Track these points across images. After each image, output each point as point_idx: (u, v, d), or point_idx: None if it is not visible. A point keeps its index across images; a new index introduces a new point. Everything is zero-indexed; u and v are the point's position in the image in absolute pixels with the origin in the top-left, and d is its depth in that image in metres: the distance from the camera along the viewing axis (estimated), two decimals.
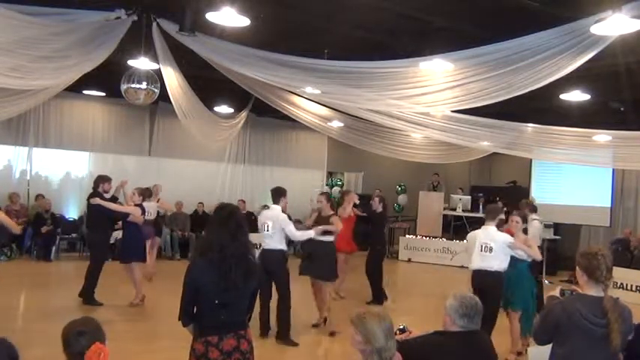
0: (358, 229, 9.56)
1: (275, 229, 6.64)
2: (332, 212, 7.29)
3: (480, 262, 6.10)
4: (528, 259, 6.32)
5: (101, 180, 8.14)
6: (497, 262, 6.03)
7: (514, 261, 6.19)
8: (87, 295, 7.84)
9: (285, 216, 6.79)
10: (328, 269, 7.22)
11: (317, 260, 7.11)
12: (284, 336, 6.62)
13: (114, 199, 8.13)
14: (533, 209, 9.21)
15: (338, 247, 7.73)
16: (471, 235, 6.61)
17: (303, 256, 7.53)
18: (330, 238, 7.19)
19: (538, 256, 6.33)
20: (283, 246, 6.73)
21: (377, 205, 9.36)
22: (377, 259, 9.27)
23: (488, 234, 6.15)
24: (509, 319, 6.39)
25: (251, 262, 3.26)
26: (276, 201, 6.82)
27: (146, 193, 8.21)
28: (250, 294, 3.30)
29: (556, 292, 3.18)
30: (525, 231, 6.72)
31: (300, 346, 6.59)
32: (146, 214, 8.32)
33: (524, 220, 6.71)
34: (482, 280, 6.00)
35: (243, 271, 3.15)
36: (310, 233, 6.96)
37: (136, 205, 7.90)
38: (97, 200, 7.76)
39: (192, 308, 3.15)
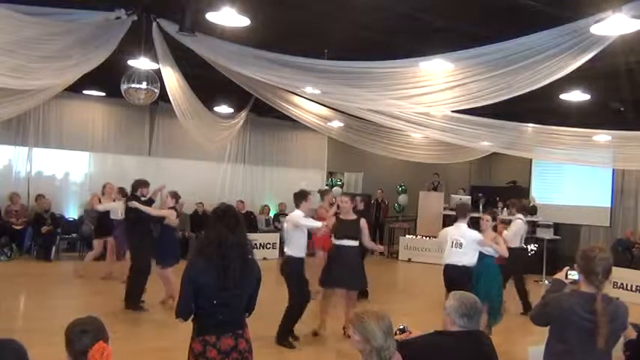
0: None
1: (289, 233, 6.55)
2: (356, 216, 7.02)
3: (451, 257, 6.55)
4: (496, 255, 6.74)
5: (140, 185, 8.07)
6: (467, 258, 6.49)
7: (482, 256, 6.63)
8: (132, 300, 7.75)
9: (295, 214, 6.57)
10: (361, 277, 7.05)
11: (350, 269, 6.79)
12: (284, 339, 6.58)
13: (150, 202, 8.11)
14: (521, 208, 9.38)
15: (319, 246, 7.98)
16: (442, 232, 7.09)
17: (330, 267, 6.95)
18: (355, 243, 6.87)
19: (505, 253, 6.77)
20: (293, 252, 6.50)
21: (358, 204, 9.52)
22: None
23: (459, 231, 6.62)
24: None
25: (250, 259, 3.26)
26: (296, 204, 6.61)
27: (178, 197, 8.22)
28: (249, 294, 3.29)
29: (562, 275, 3.21)
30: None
31: (300, 348, 6.60)
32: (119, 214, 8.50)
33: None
34: (452, 275, 6.45)
35: (241, 266, 3.16)
36: (318, 223, 6.73)
37: (169, 208, 7.89)
38: (134, 203, 7.72)
39: (191, 306, 3.14)
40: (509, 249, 8.83)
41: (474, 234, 6.60)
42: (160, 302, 7.93)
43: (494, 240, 6.72)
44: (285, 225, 6.74)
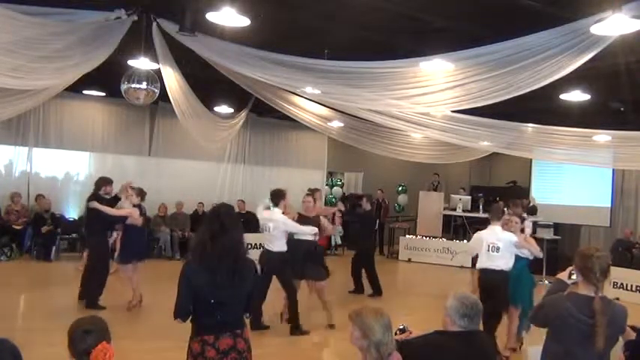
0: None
1: (276, 231, 6.81)
2: (315, 213, 7.43)
3: (487, 261, 6.25)
4: (530, 257, 6.51)
5: (103, 182, 8.02)
6: (504, 261, 6.20)
7: (515, 259, 6.34)
8: (90, 299, 7.69)
9: (283, 217, 6.91)
10: (321, 268, 7.36)
11: (308, 261, 7.16)
12: (296, 327, 6.88)
13: (116, 200, 8.07)
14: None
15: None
16: (476, 235, 6.78)
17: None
18: (309, 237, 7.23)
19: (539, 253, 6.53)
20: (284, 247, 6.88)
21: (365, 204, 9.96)
22: (365, 258, 9.65)
23: (495, 234, 6.33)
24: (509, 315, 6.46)
25: (241, 260, 3.24)
26: (275, 203, 6.95)
27: (143, 194, 8.19)
28: (247, 293, 3.28)
29: (564, 275, 3.20)
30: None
31: (297, 345, 6.61)
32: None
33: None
34: (489, 279, 6.17)
35: (231, 268, 3.14)
36: (314, 229, 7.12)
37: (134, 205, 7.84)
38: (95, 204, 7.64)
39: (189, 306, 3.14)
40: None
41: (510, 236, 6.29)
42: (127, 306, 7.82)
43: (526, 241, 6.50)
44: (270, 225, 6.83)
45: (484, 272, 6.28)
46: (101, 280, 7.80)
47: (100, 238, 7.97)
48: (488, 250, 6.24)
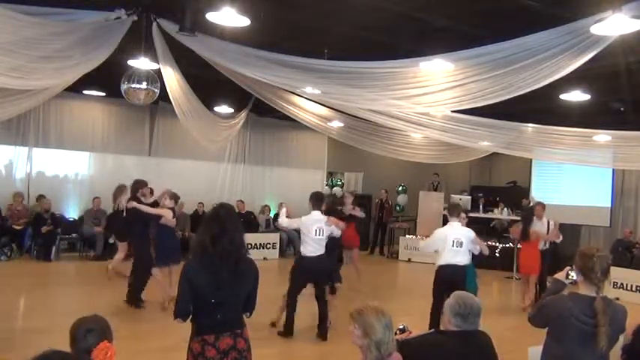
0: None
1: (326, 234, 6.80)
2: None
3: (451, 257, 6.46)
4: (476, 253, 6.78)
5: (141, 185, 8.09)
6: (466, 257, 6.51)
7: None
8: (132, 296, 7.91)
9: (325, 217, 6.94)
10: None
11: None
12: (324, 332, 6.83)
13: (155, 205, 8.05)
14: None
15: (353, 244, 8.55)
16: (439, 231, 6.89)
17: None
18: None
19: (486, 251, 6.87)
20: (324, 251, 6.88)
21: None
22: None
23: (458, 230, 6.58)
24: None
25: (242, 260, 3.24)
26: (317, 206, 6.91)
27: (177, 197, 8.30)
28: (247, 292, 3.28)
29: (562, 275, 3.20)
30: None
31: (300, 345, 6.60)
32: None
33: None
34: (453, 275, 6.34)
35: (232, 268, 3.15)
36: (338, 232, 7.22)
37: (168, 208, 7.92)
38: (133, 203, 7.75)
39: (189, 306, 3.15)
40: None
41: (469, 232, 6.63)
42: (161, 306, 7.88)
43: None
44: (324, 228, 6.78)
45: (449, 268, 6.44)
46: (145, 279, 7.93)
47: (143, 239, 8.02)
48: (454, 246, 6.43)
